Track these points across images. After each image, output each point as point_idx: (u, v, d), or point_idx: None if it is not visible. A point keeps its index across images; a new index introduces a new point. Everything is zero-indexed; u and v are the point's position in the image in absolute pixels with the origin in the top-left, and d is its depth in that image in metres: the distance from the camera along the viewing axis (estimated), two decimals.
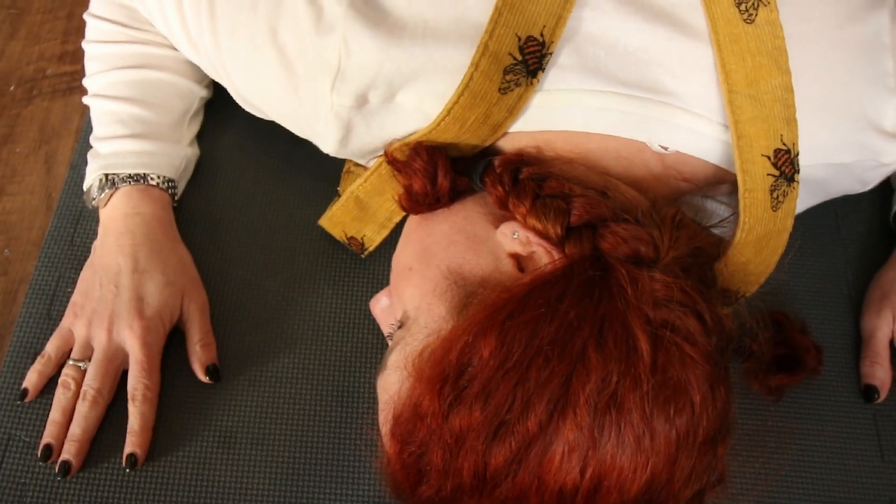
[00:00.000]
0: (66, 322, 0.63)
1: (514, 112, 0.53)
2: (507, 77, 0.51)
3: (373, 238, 0.67)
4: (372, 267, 0.70)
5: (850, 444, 0.65)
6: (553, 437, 0.41)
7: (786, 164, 0.52)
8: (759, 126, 0.51)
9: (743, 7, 0.51)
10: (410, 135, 0.57)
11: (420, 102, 0.54)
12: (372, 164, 0.62)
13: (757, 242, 0.54)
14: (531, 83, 0.52)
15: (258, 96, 0.63)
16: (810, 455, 0.65)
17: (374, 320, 0.67)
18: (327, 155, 0.63)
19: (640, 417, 0.41)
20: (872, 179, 0.59)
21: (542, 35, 0.51)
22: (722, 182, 0.57)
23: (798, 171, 0.53)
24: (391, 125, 0.56)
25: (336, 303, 0.69)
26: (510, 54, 0.51)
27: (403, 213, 0.63)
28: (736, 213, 0.54)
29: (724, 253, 0.54)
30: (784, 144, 0.52)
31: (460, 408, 0.42)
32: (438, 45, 0.52)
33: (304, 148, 0.64)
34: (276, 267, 0.70)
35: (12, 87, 0.80)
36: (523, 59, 0.51)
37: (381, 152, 0.59)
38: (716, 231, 0.56)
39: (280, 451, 0.62)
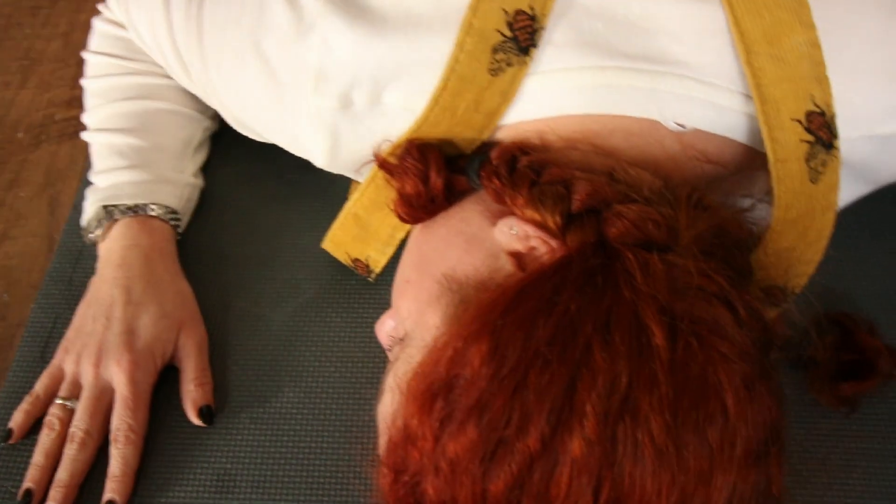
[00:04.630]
0: (56, 359, 0.60)
1: (508, 96, 0.48)
2: (497, 56, 0.47)
3: (378, 259, 0.62)
4: (382, 291, 0.65)
5: None
6: (558, 455, 0.34)
7: (821, 129, 0.46)
8: (785, 88, 0.45)
9: None
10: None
11: (407, 100, 0.50)
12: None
13: (799, 223, 0.48)
14: (524, 62, 0.47)
15: (249, 114, 0.60)
16: (881, 478, 0.55)
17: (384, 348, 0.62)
18: (333, 183, 0.59)
19: (660, 426, 0.34)
20: None
21: (531, 8, 0.46)
22: (754, 167, 0.51)
23: (837, 137, 0.46)
24: (380, 129, 0.52)
25: (344, 331, 0.64)
26: (498, 31, 0.46)
27: (407, 229, 0.58)
28: (770, 191, 0.47)
29: (762, 238, 0.47)
30: (817, 106, 0.46)
31: (452, 426, 0.36)
32: (422, 35, 0.48)
33: (309, 177, 0.61)
34: (282, 297, 0.66)
35: (20, 134, 0.79)
36: (513, 36, 0.46)
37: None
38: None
39: (283, 495, 0.56)
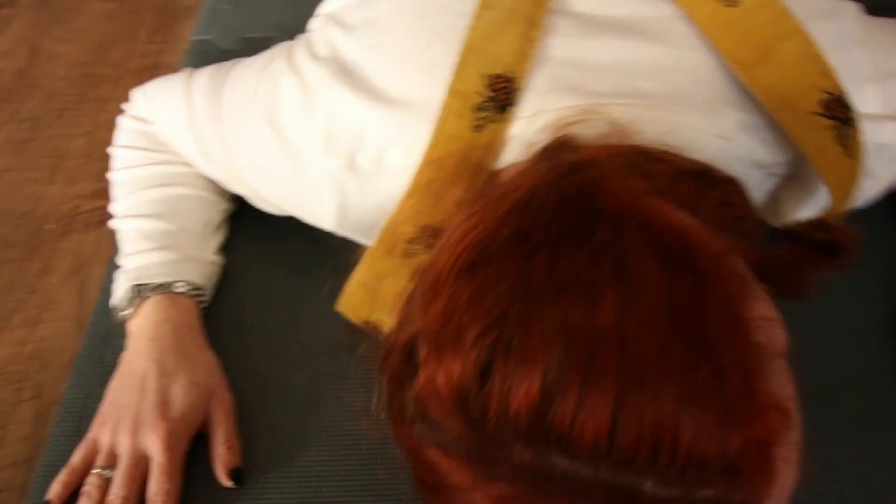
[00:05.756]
0: (92, 432, 0.63)
1: (490, 149, 0.53)
2: (480, 115, 0.53)
3: (387, 322, 0.66)
4: None
5: None
6: None
7: (838, 110, 0.50)
8: (793, 90, 0.50)
9: None
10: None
11: (407, 160, 0.55)
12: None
13: (844, 191, 0.53)
14: (504, 119, 0.53)
15: (266, 185, 0.65)
16: None
17: None
18: (344, 256, 0.63)
19: None
20: (880, 168, 0.57)
21: (507, 72, 0.53)
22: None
23: (851, 109, 0.51)
24: (384, 188, 0.57)
25: (362, 390, 0.67)
26: (478, 93, 0.53)
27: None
28: (811, 182, 0.54)
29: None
30: (829, 93, 0.50)
31: None
32: (419, 102, 0.54)
33: (321, 250, 0.66)
34: (301, 362, 0.69)
35: (50, 225, 0.84)
36: (493, 97, 0.53)
37: (379, 228, 0.59)
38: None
39: None
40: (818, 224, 0.56)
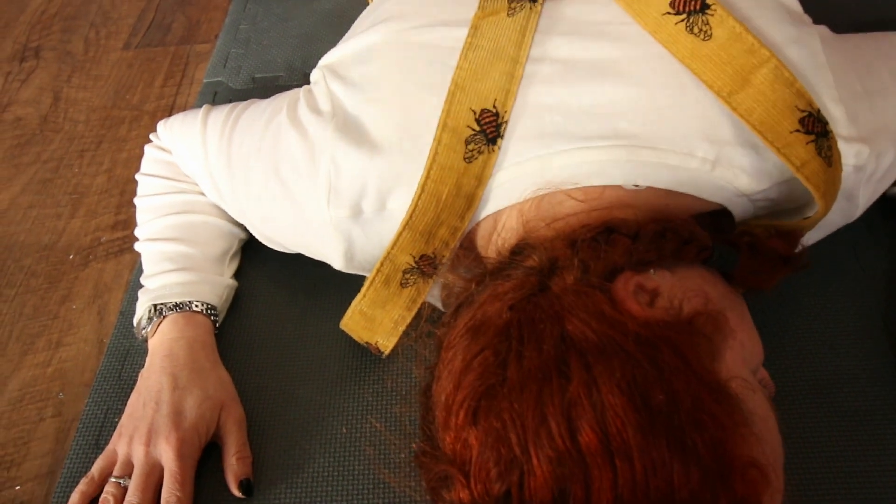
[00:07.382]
0: (110, 444, 0.66)
1: (482, 180, 0.57)
2: (470, 147, 0.56)
3: (385, 344, 0.69)
4: (396, 363, 0.72)
5: None
6: None
7: (815, 125, 0.53)
8: (773, 112, 0.53)
9: (696, 30, 0.55)
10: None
11: (407, 202, 0.58)
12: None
13: (831, 197, 0.56)
14: (493, 150, 0.56)
15: (273, 230, 0.70)
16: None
17: (405, 411, 0.68)
18: (351, 274, 0.67)
19: None
20: (854, 189, 0.60)
21: (494, 107, 0.56)
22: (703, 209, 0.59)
23: (827, 123, 0.54)
24: (388, 231, 0.61)
25: (366, 400, 0.70)
26: (468, 126, 0.56)
27: (409, 320, 0.66)
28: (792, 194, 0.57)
29: (810, 220, 0.58)
30: (804, 111, 0.53)
31: None
32: (414, 150, 0.58)
33: (329, 271, 0.69)
34: (309, 375, 0.73)
35: (71, 256, 0.89)
36: (482, 129, 0.56)
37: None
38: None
39: None
40: (786, 234, 0.60)
